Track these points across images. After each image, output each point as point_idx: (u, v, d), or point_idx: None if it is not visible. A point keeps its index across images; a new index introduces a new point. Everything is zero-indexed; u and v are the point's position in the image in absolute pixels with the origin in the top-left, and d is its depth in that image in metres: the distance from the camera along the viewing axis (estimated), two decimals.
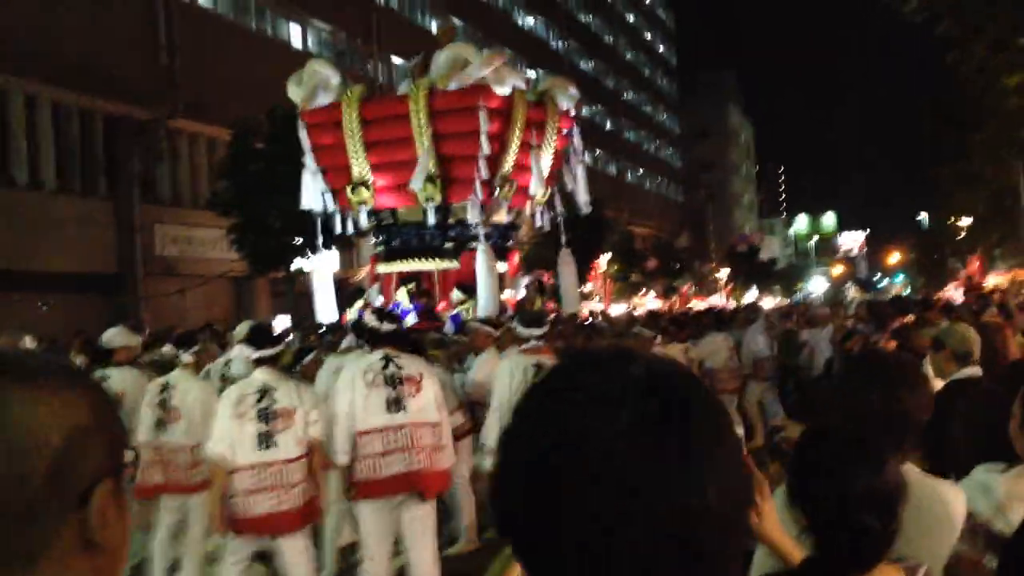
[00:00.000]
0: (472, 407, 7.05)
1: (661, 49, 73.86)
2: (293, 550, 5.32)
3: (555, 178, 12.75)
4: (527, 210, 12.83)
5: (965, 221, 32.13)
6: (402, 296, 11.54)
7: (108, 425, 0.91)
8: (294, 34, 30.81)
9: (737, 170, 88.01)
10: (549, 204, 12.87)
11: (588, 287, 33.13)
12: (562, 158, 12.71)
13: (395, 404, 5.39)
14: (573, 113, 12.66)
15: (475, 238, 11.71)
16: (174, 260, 25.29)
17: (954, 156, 27.25)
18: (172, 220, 25.51)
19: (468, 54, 11.40)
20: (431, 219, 11.67)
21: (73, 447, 0.87)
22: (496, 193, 11.78)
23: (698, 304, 35.03)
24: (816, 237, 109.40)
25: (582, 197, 12.89)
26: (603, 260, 36.02)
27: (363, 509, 5.41)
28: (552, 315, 11.88)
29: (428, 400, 5.49)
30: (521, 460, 0.76)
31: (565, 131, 12.62)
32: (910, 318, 8.76)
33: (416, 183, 11.15)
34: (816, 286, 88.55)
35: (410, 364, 5.57)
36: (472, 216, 11.50)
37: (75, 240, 21.91)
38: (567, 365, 0.82)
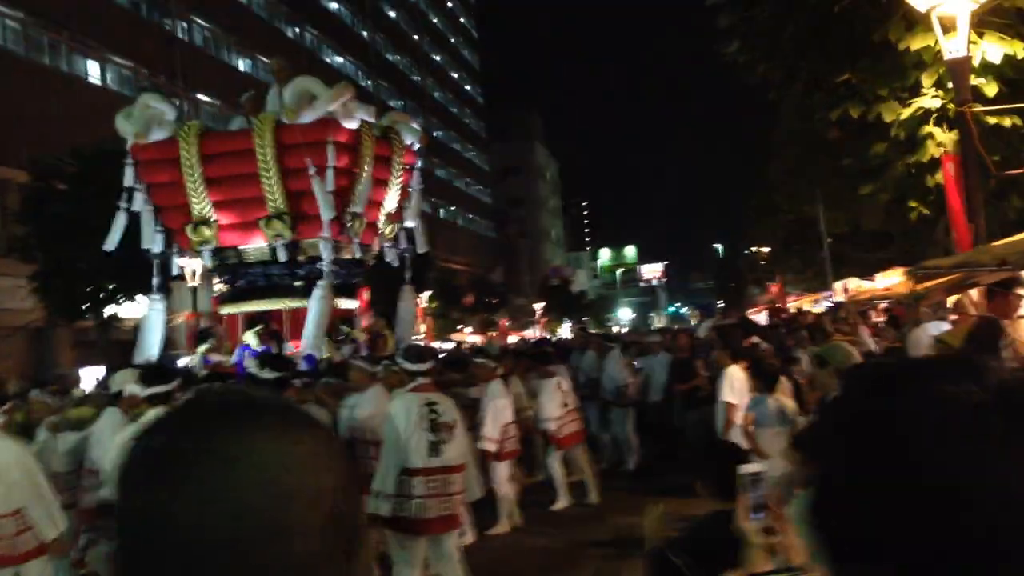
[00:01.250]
0: (354, 445, 6.80)
1: (468, 88, 75.24)
2: None
3: (400, 214, 12.61)
4: (375, 246, 12.56)
5: (766, 249, 34.26)
6: (251, 338, 10.98)
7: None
8: (92, 71, 29.27)
9: (545, 205, 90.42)
10: (395, 239, 12.74)
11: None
12: (406, 193, 12.60)
13: (435, 446, 5.69)
14: (416, 147, 12.58)
15: (321, 275, 11.37)
16: None
17: (754, 187, 29.05)
18: None
19: (315, 88, 11.14)
20: (281, 257, 11.24)
21: (343, 492, 0.74)
22: (346, 229, 11.49)
23: (512, 338, 35.61)
24: (620, 270, 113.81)
25: (419, 237, 12.91)
26: (424, 297, 36.03)
27: (405, 540, 5.77)
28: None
29: (460, 445, 5.85)
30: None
31: (409, 166, 12.50)
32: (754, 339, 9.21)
33: (265, 220, 10.81)
34: (623, 315, 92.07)
35: (448, 409, 5.86)
36: (324, 253, 11.14)
37: None
38: (910, 372, 0.78)
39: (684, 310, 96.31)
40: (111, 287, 20.03)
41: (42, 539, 5.70)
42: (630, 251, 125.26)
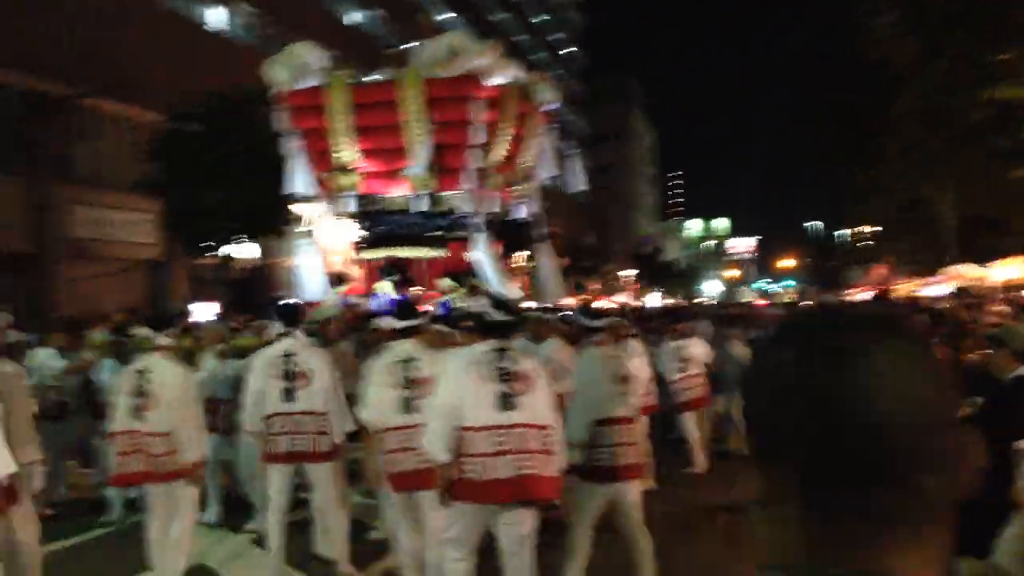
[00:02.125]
0: None
1: (570, 50, 74.75)
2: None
3: (533, 171, 12.87)
4: (510, 202, 12.88)
5: (871, 229, 33.46)
6: (386, 286, 11.42)
7: None
8: (216, 17, 30.10)
9: (640, 173, 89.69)
10: (528, 197, 12.99)
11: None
12: (541, 152, 12.81)
13: (505, 401, 4.95)
14: (554, 107, 12.81)
15: (464, 227, 11.69)
16: (89, 243, 24.37)
17: (860, 165, 28.33)
18: (88, 202, 24.55)
19: (463, 43, 11.32)
20: (423, 207, 11.58)
21: (954, 398, 0.86)
22: (486, 183, 11.75)
23: (604, 303, 35.52)
24: (711, 242, 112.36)
25: (578, 181, 13.23)
26: (523, 256, 36.30)
27: (458, 510, 5.00)
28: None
29: (541, 399, 5.02)
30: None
31: (545, 125, 12.74)
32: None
33: (415, 170, 11.11)
34: (711, 288, 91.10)
35: (524, 358, 5.15)
36: (465, 206, 11.50)
37: None
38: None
39: (773, 286, 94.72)
40: (232, 227, 20.77)
41: (185, 462, 6.13)
42: (722, 224, 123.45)
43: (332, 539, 6.66)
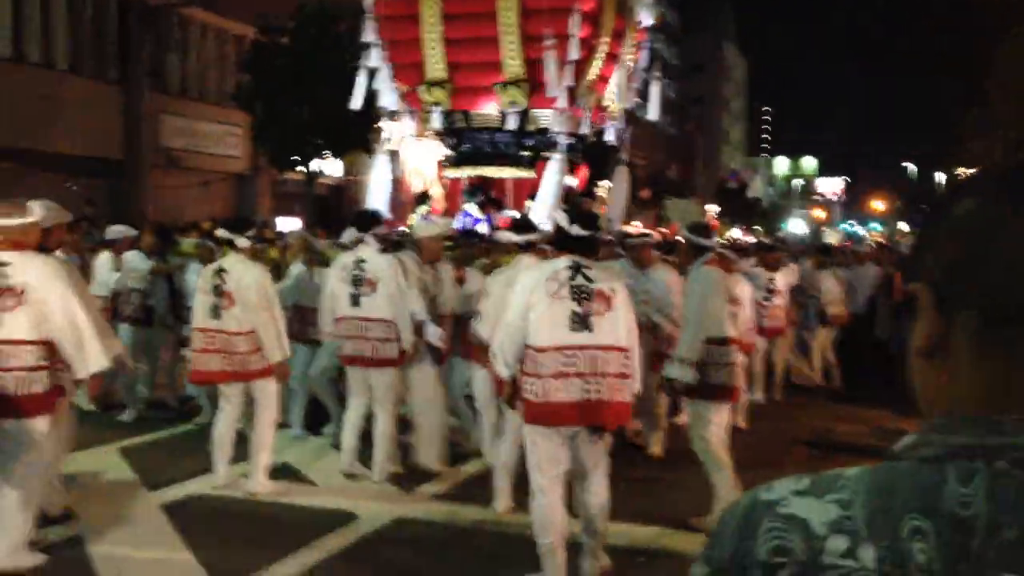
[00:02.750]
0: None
1: None
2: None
3: (624, 93, 12.27)
4: (600, 123, 12.35)
5: (969, 171, 32.06)
6: (472, 207, 11.28)
7: None
8: None
9: (728, 106, 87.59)
10: (616, 120, 12.50)
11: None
12: (634, 72, 12.27)
13: (580, 321, 4.60)
14: (649, 24, 12.22)
15: (553, 147, 11.23)
16: (178, 152, 24.83)
17: (965, 104, 27.06)
18: (179, 111, 24.97)
19: None
20: (511, 124, 11.14)
21: None
22: (579, 102, 11.29)
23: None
24: (798, 180, 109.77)
25: (655, 109, 12.51)
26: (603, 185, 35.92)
27: (531, 434, 4.73)
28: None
29: (619, 321, 4.68)
30: None
31: (640, 43, 12.22)
32: None
33: (506, 85, 10.81)
34: (795, 227, 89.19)
35: (602, 276, 4.75)
36: (556, 125, 11.02)
37: (83, 123, 21.40)
38: None
39: (859, 229, 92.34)
40: (318, 142, 20.89)
41: (269, 361, 6.25)
42: (809, 163, 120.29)
43: (377, 444, 6.72)
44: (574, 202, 12.01)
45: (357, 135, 18.12)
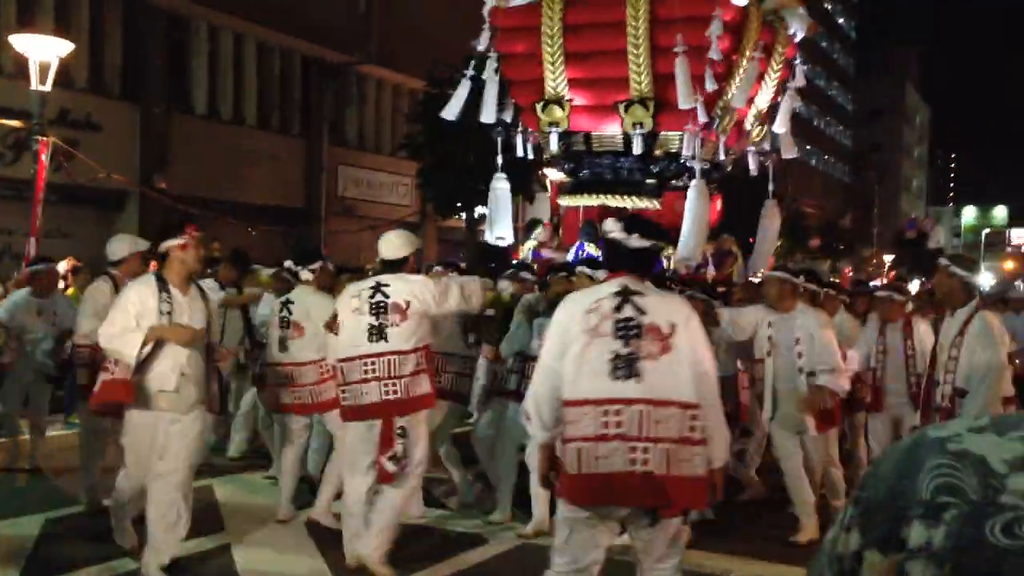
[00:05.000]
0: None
1: (840, 20, 71.06)
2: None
3: (770, 115, 10.88)
4: (738, 148, 10.96)
5: None
6: (590, 246, 9.93)
7: None
8: None
9: (909, 153, 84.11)
10: (760, 144, 11.08)
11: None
12: (780, 92, 10.78)
13: (624, 364, 3.53)
14: (800, 38, 10.72)
15: (683, 174, 10.12)
16: (353, 201, 26.22)
17: None
18: (355, 163, 26.42)
19: None
20: (636, 148, 9.82)
21: None
22: (714, 124, 9.90)
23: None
24: (987, 230, 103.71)
25: (787, 139, 10.92)
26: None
27: (564, 513, 3.74)
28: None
29: (677, 364, 3.55)
30: None
31: (790, 60, 10.78)
32: None
33: (632, 104, 9.59)
34: (983, 280, 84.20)
35: (659, 306, 3.63)
36: (687, 149, 9.69)
37: (269, 175, 22.98)
38: None
39: None
40: (481, 188, 21.50)
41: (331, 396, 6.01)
42: (1000, 212, 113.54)
43: None
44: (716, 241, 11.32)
45: (520, 180, 18.52)
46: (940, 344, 5.27)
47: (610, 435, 3.49)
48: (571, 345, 3.59)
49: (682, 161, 10.04)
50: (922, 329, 6.92)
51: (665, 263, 9.71)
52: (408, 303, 5.26)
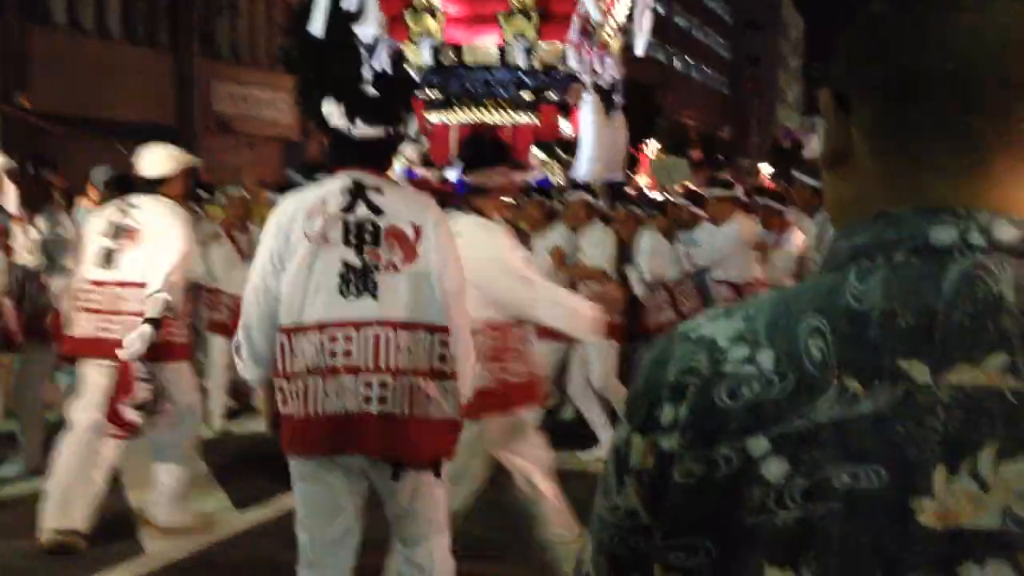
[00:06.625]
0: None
1: None
2: None
3: (625, 30, 10.67)
4: (601, 61, 10.54)
5: None
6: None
7: None
8: None
9: (785, 65, 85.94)
10: (616, 57, 10.83)
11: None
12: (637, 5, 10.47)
13: (357, 278, 2.90)
14: None
15: (560, 88, 9.74)
16: (229, 117, 25.34)
17: None
18: (229, 77, 25.45)
19: None
20: (519, 61, 9.48)
21: None
22: (589, 37, 9.65)
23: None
24: None
25: (642, 40, 10.55)
26: (652, 146, 35.67)
27: (292, 470, 3.07)
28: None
29: (424, 277, 2.92)
30: None
31: None
32: None
33: (511, 14, 9.29)
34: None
35: (401, 204, 3.00)
36: (571, 62, 9.39)
37: (137, 90, 21.95)
38: None
39: None
40: None
41: None
42: None
43: None
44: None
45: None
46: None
47: (339, 367, 2.84)
48: (290, 257, 2.88)
49: (563, 75, 9.75)
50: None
51: (550, 178, 9.42)
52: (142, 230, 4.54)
